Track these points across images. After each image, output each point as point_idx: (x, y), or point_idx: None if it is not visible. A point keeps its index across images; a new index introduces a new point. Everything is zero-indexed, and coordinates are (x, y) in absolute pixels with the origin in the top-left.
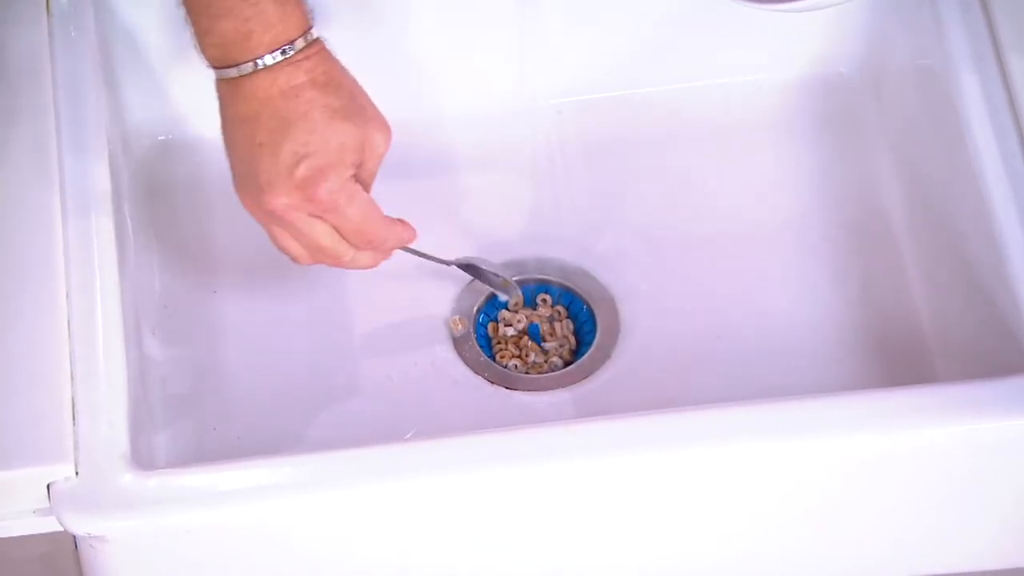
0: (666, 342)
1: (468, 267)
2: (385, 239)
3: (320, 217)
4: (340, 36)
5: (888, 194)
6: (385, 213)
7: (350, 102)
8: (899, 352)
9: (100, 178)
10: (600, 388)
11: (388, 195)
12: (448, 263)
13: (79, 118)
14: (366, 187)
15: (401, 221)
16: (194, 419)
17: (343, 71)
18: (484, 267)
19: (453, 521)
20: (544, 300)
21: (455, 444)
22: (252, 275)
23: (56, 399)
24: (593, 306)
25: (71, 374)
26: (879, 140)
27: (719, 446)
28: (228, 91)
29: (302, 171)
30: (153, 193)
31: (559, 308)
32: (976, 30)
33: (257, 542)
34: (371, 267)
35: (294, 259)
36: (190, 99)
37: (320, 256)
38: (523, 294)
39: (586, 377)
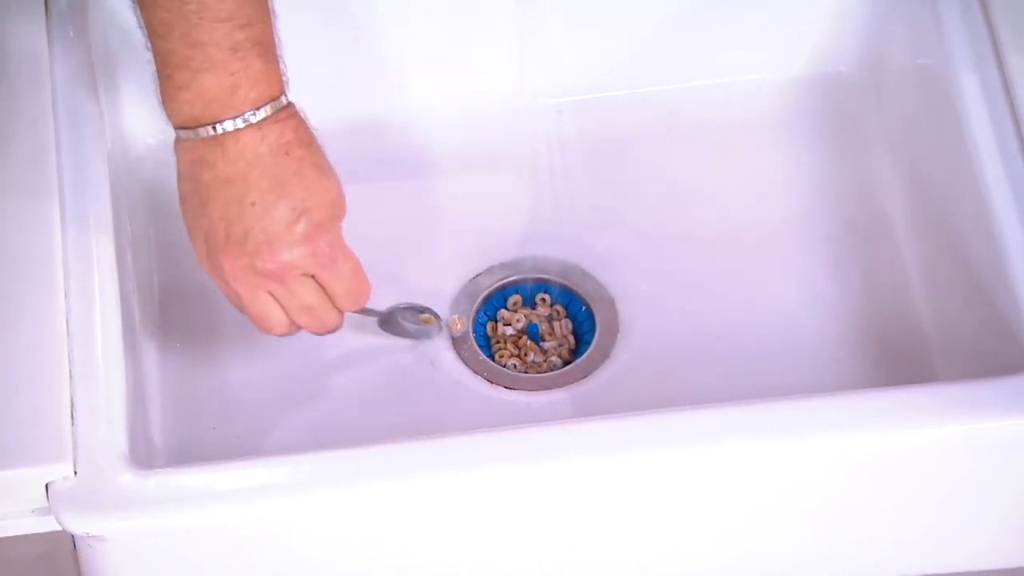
0: (665, 342)
1: (388, 319)
2: (367, 295)
3: (312, 276)
4: (340, 35)
5: (888, 193)
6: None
7: (327, 161)
8: (899, 352)
9: (99, 178)
10: (599, 388)
11: (389, 195)
12: (378, 314)
13: (78, 119)
14: None
15: None
16: (193, 418)
17: (314, 130)
18: (400, 316)
19: (452, 521)
20: (543, 299)
21: (454, 444)
22: None
23: (55, 399)
24: (592, 306)
25: (70, 374)
26: (879, 139)
27: (719, 446)
28: (203, 152)
29: (303, 227)
30: (152, 193)
31: (558, 307)
32: (976, 29)
33: (256, 542)
34: (337, 329)
35: (268, 329)
36: None
37: (304, 319)
38: (523, 295)
39: (585, 377)
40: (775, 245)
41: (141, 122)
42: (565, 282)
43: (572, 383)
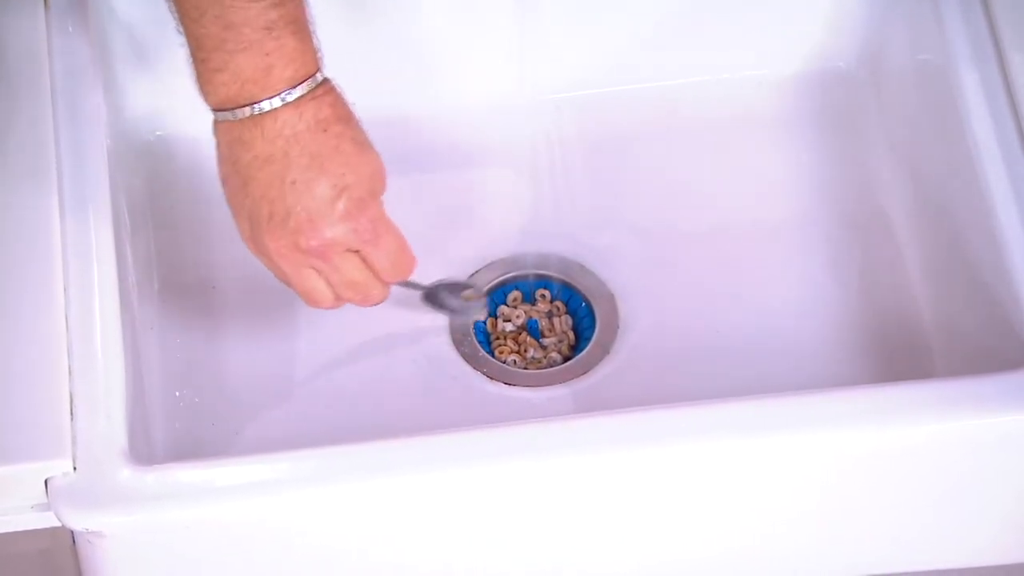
0: (665, 338)
1: (431, 295)
2: (411, 268)
3: (356, 251)
4: (340, 31)
5: (888, 190)
6: None
7: (365, 136)
8: (899, 350)
9: (98, 173)
10: (598, 384)
11: (388, 191)
12: (422, 288)
13: (77, 113)
14: None
15: None
16: (192, 414)
17: (351, 105)
18: (444, 292)
19: (451, 517)
20: (543, 296)
21: (453, 440)
22: (251, 270)
23: (54, 394)
24: (592, 302)
25: (69, 369)
26: (879, 136)
27: (719, 441)
28: (241, 132)
29: (344, 203)
30: (151, 188)
31: (558, 304)
32: (976, 25)
33: (255, 537)
34: (382, 301)
35: (315, 303)
36: (188, 94)
37: (349, 293)
38: (523, 291)
39: (585, 373)
40: (775, 241)
41: (140, 116)
42: (565, 278)
43: (572, 379)
